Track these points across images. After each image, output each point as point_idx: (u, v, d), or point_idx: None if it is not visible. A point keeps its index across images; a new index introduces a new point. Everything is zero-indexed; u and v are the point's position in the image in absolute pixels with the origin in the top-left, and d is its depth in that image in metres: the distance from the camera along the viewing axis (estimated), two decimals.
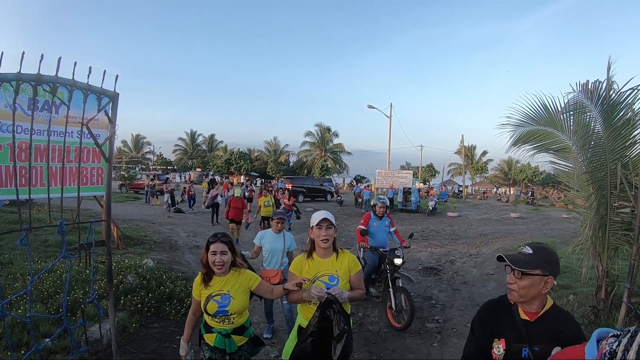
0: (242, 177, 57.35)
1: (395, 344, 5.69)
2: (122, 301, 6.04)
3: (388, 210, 7.52)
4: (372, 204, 7.60)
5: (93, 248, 3.67)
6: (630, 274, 4.14)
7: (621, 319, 4.21)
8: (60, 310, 3.39)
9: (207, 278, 3.16)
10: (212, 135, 71.15)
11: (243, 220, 13.60)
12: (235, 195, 13.79)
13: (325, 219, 3.13)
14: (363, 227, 7.17)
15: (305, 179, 41.64)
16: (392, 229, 7.50)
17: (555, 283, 2.05)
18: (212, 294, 3.12)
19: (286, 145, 66.25)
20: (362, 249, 7.30)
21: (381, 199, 7.49)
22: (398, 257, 6.69)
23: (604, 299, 5.77)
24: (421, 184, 53.98)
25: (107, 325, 4.52)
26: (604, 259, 5.73)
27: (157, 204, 24.96)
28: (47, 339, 4.28)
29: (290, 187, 26.68)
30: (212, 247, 3.09)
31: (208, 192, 23.56)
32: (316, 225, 3.15)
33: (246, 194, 20.76)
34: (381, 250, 6.96)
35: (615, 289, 5.73)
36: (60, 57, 2.91)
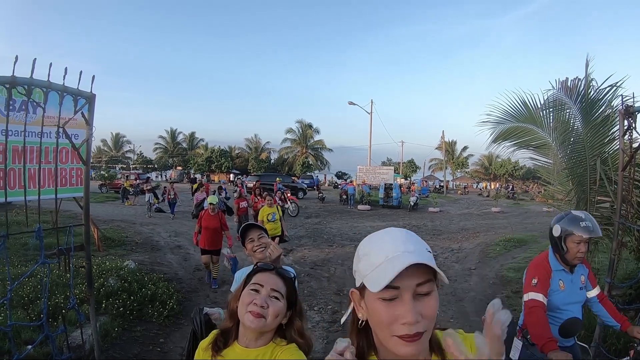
0: (229, 175, 56.07)
1: None
2: (103, 305, 5.96)
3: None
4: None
5: (72, 253, 3.61)
6: (610, 268, 4.21)
7: None
8: (42, 315, 3.32)
9: (222, 343, 1.70)
10: (193, 133, 70.46)
11: (224, 250, 7.48)
12: (209, 204, 8.50)
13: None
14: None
15: (274, 175, 38.20)
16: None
17: None
18: None
19: (267, 142, 66.02)
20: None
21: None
22: None
23: None
24: (402, 180, 54.30)
25: (89, 330, 4.45)
26: None
27: (129, 204, 24.45)
28: (30, 346, 4.21)
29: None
30: (259, 279, 1.70)
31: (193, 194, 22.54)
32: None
33: (227, 202, 15.85)
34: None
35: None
36: (35, 59, 2.85)
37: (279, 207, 10.19)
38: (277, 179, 30.67)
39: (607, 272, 4.43)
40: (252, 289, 1.65)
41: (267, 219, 9.39)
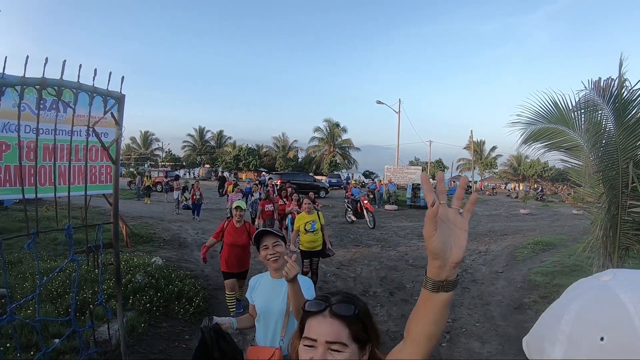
0: (261, 174, 55.16)
1: None
2: (130, 301, 6.07)
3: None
4: None
5: (101, 251, 3.67)
6: None
7: None
8: (69, 310, 3.40)
9: None
10: (221, 132, 71.24)
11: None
12: (235, 210, 6.56)
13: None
14: None
15: (297, 174, 37.96)
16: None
17: None
18: None
19: (295, 141, 66.15)
20: None
21: None
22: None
23: None
24: (430, 180, 53.72)
25: (116, 326, 4.53)
26: (614, 259, 5.67)
27: (147, 202, 24.46)
28: (57, 340, 4.31)
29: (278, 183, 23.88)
30: (310, 330, 1.34)
31: (222, 194, 22.02)
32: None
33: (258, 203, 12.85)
34: None
35: None
36: (65, 60, 2.91)
37: (320, 214, 7.84)
38: (262, 172, 30.29)
39: None
40: (306, 345, 1.32)
41: (305, 229, 7.44)
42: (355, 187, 22.38)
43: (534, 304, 7.08)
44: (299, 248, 7.65)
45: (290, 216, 11.55)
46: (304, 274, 7.05)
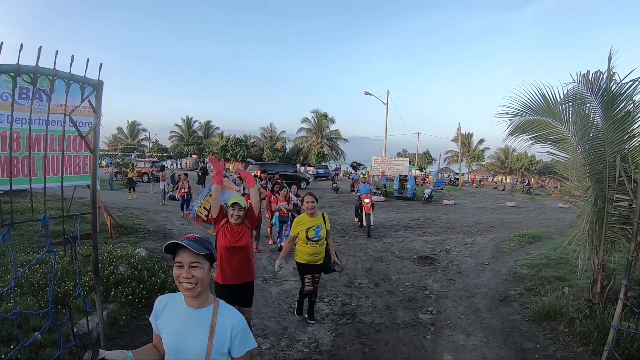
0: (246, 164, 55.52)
1: (388, 335, 5.64)
2: (112, 292, 5.99)
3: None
4: None
5: (79, 242, 3.59)
6: (627, 270, 4.09)
7: (617, 315, 4.16)
8: (49, 304, 3.32)
9: None
10: (208, 122, 70.72)
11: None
12: (231, 208, 4.68)
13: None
14: None
15: (277, 165, 37.29)
16: None
17: None
18: None
19: (282, 131, 65.95)
20: None
21: None
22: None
23: (599, 293, 5.73)
24: (417, 172, 54.01)
25: (97, 319, 4.46)
26: (600, 253, 5.69)
27: (130, 198, 21.06)
28: (37, 333, 4.23)
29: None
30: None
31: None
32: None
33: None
34: None
35: (611, 283, 5.70)
36: (40, 47, 2.80)
37: (326, 216, 5.86)
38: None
39: (623, 273, 4.31)
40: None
41: (307, 237, 5.57)
42: (365, 183, 15.88)
43: (519, 297, 7.09)
44: (288, 263, 6.79)
45: (277, 213, 10.69)
46: (307, 293, 5.84)
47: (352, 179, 33.29)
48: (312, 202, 5.70)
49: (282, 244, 10.21)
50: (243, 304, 4.73)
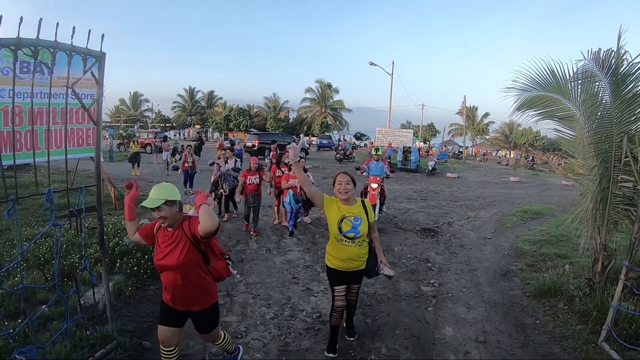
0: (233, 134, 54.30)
1: (389, 307, 5.70)
2: (117, 264, 6.06)
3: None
4: None
5: (84, 214, 3.61)
6: (629, 251, 4.10)
7: (617, 295, 4.20)
8: (55, 276, 3.36)
9: None
10: (211, 92, 70.26)
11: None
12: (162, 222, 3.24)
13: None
14: None
15: (274, 134, 36.38)
16: None
17: None
18: None
19: (286, 101, 65.69)
20: None
21: None
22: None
23: (600, 272, 5.76)
24: (421, 143, 53.78)
25: (102, 290, 4.52)
26: (602, 232, 5.70)
27: (137, 175, 19.07)
28: (44, 306, 4.29)
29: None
30: None
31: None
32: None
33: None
34: None
35: (612, 263, 5.72)
36: (41, 19, 2.75)
37: (368, 204, 4.24)
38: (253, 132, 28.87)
39: (625, 254, 4.33)
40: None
41: (341, 230, 3.99)
42: (379, 160, 10.83)
43: (520, 272, 7.14)
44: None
45: (291, 191, 8.96)
46: (338, 309, 4.27)
47: (344, 148, 32.84)
48: (348, 182, 4.08)
49: (292, 228, 9.20)
50: (200, 330, 3.62)
